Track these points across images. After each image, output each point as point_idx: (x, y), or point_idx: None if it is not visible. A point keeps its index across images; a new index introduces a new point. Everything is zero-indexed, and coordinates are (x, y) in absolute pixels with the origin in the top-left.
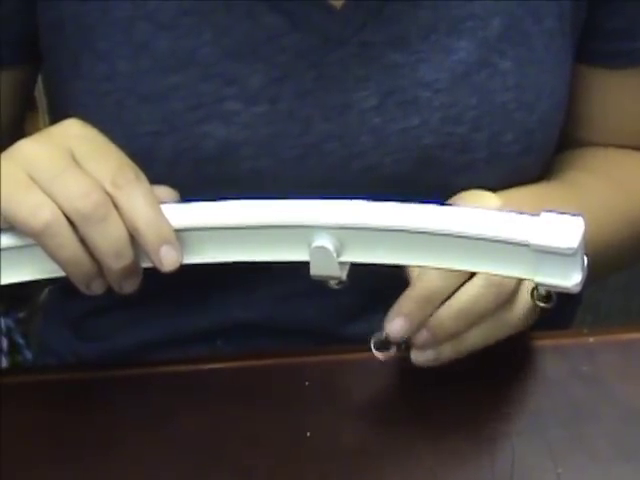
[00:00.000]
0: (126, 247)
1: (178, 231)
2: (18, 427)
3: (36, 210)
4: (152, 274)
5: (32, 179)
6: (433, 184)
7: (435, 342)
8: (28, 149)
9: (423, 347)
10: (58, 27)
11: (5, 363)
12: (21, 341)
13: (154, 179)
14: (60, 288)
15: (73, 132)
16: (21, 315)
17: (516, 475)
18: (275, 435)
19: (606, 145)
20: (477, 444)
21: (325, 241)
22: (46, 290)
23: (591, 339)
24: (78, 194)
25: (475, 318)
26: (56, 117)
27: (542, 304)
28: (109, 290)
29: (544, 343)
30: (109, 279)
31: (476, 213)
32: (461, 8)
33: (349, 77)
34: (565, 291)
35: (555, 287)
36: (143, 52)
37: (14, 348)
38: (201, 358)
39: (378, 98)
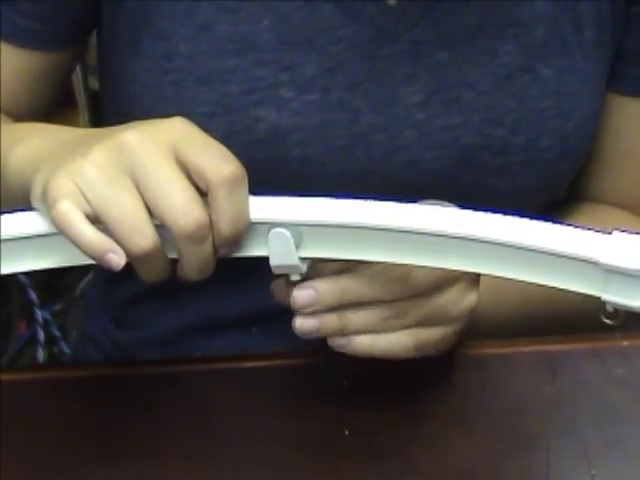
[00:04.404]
0: (211, 265)
1: None
2: (58, 424)
3: (137, 236)
4: None
5: (134, 181)
6: (471, 184)
7: (317, 304)
8: (134, 144)
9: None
10: (119, 6)
11: (42, 355)
12: (57, 333)
13: None
14: (101, 276)
15: (178, 129)
16: (58, 307)
17: (551, 476)
18: (313, 433)
19: (607, 200)
20: (513, 445)
21: (283, 230)
22: (83, 281)
23: (625, 343)
24: (182, 211)
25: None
26: (108, 96)
27: (609, 321)
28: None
29: (579, 347)
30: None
31: (545, 226)
32: (508, 14)
33: (398, 72)
34: (632, 310)
35: (622, 306)
36: (204, 34)
37: (50, 340)
38: (239, 356)
39: (423, 95)
